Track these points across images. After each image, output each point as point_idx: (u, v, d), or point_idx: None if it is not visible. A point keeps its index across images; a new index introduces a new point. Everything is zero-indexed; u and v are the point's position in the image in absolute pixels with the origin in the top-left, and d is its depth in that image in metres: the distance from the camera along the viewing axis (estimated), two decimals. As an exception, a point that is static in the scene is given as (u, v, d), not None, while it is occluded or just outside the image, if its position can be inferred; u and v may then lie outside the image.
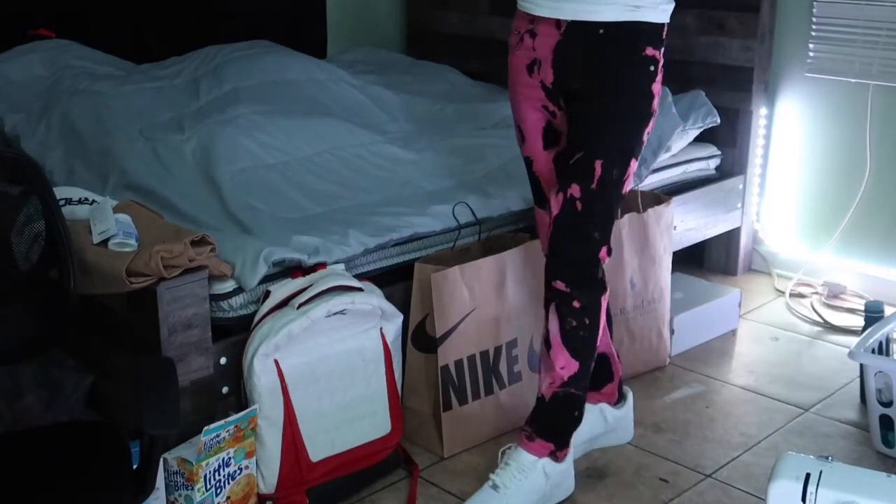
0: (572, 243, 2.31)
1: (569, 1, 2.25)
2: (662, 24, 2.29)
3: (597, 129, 2.29)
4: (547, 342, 2.36)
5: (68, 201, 2.44)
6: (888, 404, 2.63)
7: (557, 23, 2.28)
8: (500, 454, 2.48)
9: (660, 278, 3.09)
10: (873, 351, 2.72)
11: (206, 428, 2.18)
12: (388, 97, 3.70)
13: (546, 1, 2.28)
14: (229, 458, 2.26)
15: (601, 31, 2.25)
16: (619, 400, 2.71)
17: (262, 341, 2.31)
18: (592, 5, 2.24)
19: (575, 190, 2.27)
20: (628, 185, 2.34)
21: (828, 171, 3.69)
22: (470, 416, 2.67)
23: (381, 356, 2.52)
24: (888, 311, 3.11)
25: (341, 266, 2.56)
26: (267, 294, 2.42)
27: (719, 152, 3.72)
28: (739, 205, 3.77)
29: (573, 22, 2.26)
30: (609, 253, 2.33)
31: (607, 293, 2.37)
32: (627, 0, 2.23)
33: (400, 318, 2.56)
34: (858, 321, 3.35)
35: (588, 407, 2.61)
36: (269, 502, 2.38)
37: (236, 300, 2.41)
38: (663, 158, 3.40)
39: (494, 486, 2.38)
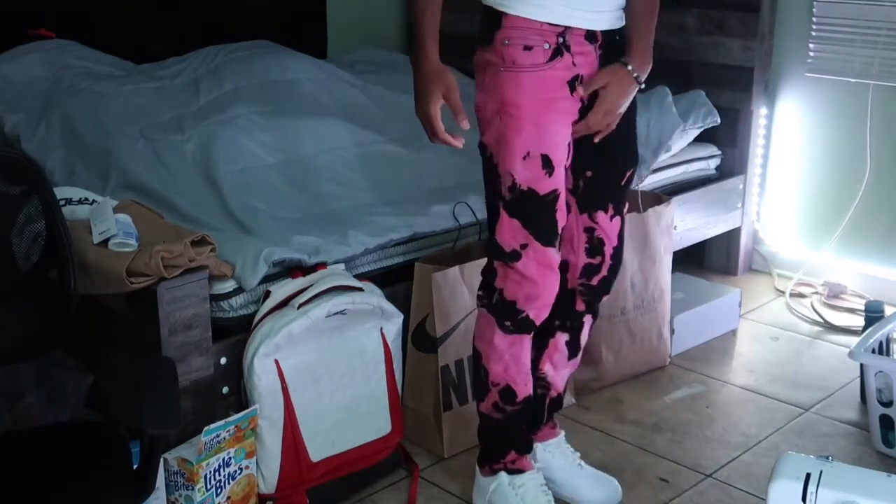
0: (618, 270, 2.32)
1: (606, 10, 2.09)
2: None
3: (635, 141, 2.26)
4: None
5: (68, 201, 2.44)
6: (888, 404, 2.63)
7: (590, 35, 2.10)
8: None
9: (660, 278, 3.09)
10: (873, 351, 2.72)
11: (206, 428, 2.18)
12: (389, 97, 3.69)
13: (582, 12, 2.06)
14: (229, 458, 2.26)
15: (618, 38, 2.14)
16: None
17: (262, 341, 2.31)
18: (619, 11, 2.12)
19: (625, 209, 2.26)
20: None
21: (828, 171, 3.69)
22: (470, 416, 2.67)
23: (382, 356, 2.52)
24: (888, 310, 3.11)
25: (341, 266, 2.56)
26: (267, 294, 2.42)
27: (719, 152, 3.72)
28: (739, 205, 3.77)
29: (605, 32, 2.11)
30: None
31: None
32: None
33: (400, 317, 2.56)
34: (858, 321, 3.35)
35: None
36: (269, 502, 2.38)
37: (236, 300, 2.41)
38: (663, 158, 3.40)
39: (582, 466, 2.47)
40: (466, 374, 2.66)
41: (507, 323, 2.23)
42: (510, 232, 2.16)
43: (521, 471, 2.36)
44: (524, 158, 2.11)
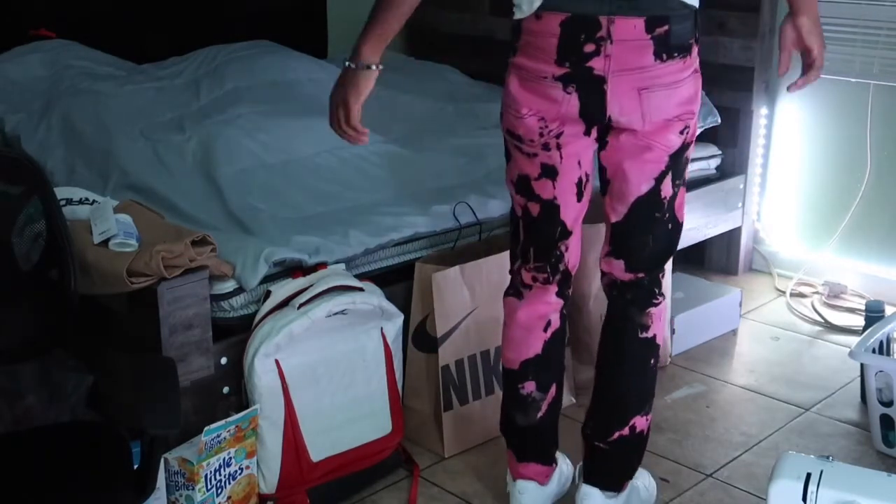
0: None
1: None
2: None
3: None
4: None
5: (69, 201, 2.44)
6: (889, 404, 2.63)
7: None
8: None
9: (660, 278, 3.08)
10: (874, 350, 2.72)
11: (206, 428, 2.18)
12: (389, 97, 3.69)
13: None
14: (230, 458, 2.26)
15: None
16: None
17: (262, 341, 2.31)
18: None
19: None
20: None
21: (828, 171, 3.69)
22: (471, 415, 2.68)
23: (382, 356, 2.52)
24: (889, 310, 3.11)
25: (342, 266, 2.56)
26: (267, 294, 2.42)
27: (720, 152, 3.71)
28: (740, 204, 3.77)
29: None
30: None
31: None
32: None
33: (400, 317, 2.56)
34: (859, 321, 3.35)
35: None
36: (269, 502, 2.38)
37: (237, 300, 2.41)
38: (664, 158, 3.39)
39: None
40: (467, 373, 2.66)
41: None
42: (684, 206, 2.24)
43: None
44: None
